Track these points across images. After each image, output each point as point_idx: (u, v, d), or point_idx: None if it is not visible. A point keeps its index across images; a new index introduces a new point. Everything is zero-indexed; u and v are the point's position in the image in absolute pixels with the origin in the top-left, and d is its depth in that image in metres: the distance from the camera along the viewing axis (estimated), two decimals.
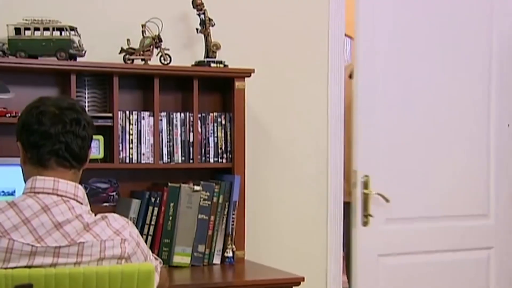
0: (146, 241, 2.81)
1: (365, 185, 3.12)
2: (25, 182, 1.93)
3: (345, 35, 3.68)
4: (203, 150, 2.98)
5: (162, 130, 2.92)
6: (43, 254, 1.80)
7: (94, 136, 2.71)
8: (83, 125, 1.93)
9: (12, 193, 2.61)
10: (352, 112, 3.16)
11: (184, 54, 3.06)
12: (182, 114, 2.95)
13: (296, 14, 3.33)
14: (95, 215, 1.92)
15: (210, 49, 2.99)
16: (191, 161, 2.95)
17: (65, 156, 1.90)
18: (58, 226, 1.82)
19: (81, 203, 1.91)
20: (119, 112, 2.84)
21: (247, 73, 3.00)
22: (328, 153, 3.40)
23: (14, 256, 1.79)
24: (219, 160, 3.01)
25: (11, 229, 1.79)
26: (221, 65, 2.99)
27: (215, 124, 3.00)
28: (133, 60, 2.88)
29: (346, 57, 6.88)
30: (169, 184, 2.86)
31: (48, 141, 1.89)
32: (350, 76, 3.41)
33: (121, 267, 1.86)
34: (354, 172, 3.14)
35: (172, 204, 2.85)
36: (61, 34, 2.72)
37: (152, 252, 2.80)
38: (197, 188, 2.87)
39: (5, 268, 1.78)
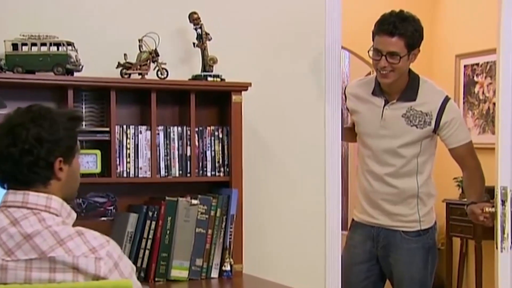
0: (143, 255, 2.82)
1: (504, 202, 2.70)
2: None
3: (343, 47, 3.69)
4: (200, 164, 2.99)
5: (159, 144, 2.92)
6: (15, 269, 1.79)
7: (91, 151, 2.80)
8: (21, 149, 1.85)
9: None
10: (498, 123, 2.80)
11: (181, 68, 3.07)
12: (179, 128, 2.96)
13: (292, 26, 3.34)
14: (74, 227, 1.89)
15: (207, 63, 3.00)
16: (188, 175, 2.96)
17: (12, 185, 1.89)
18: (27, 237, 1.81)
19: (56, 215, 1.89)
20: (116, 127, 2.84)
21: (244, 86, 3.01)
22: (326, 165, 3.39)
23: None
24: (217, 173, 3.01)
25: None
26: (218, 79, 3.00)
27: (212, 138, 3.01)
28: (130, 74, 2.89)
29: (344, 69, 6.90)
30: (167, 198, 2.86)
31: None
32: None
33: (98, 283, 1.82)
34: (503, 188, 2.70)
35: (169, 218, 2.85)
36: (58, 49, 2.74)
37: (149, 266, 2.82)
38: (194, 202, 2.88)
39: None
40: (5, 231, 1.82)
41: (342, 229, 3.48)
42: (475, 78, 5.76)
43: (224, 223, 2.94)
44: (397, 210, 3.24)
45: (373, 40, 3.14)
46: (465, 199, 3.33)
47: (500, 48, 2.75)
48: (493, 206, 2.82)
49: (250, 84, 3.02)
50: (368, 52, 3.15)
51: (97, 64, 2.89)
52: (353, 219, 3.44)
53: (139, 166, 2.89)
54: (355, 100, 3.34)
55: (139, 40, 2.90)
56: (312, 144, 3.38)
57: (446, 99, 3.19)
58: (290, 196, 3.34)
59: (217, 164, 3.01)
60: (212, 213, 2.92)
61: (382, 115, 3.21)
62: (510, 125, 2.70)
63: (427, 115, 3.15)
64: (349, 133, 3.48)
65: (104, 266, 1.84)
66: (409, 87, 3.19)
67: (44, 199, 1.88)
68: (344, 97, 3.44)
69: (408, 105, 3.17)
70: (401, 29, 3.05)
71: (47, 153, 1.88)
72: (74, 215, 1.98)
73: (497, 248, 2.71)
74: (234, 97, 2.99)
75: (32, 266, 1.79)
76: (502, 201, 2.70)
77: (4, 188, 1.92)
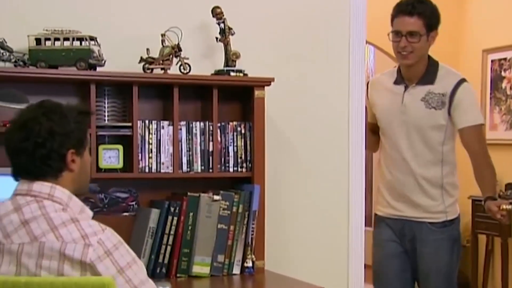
0: (165, 251, 2.81)
1: None
2: None
3: (368, 42, 3.66)
4: (222, 159, 2.97)
5: (181, 139, 2.91)
6: (9, 252, 1.86)
7: (114, 146, 2.80)
8: (35, 142, 1.92)
9: None
10: None
11: (203, 63, 3.05)
12: (202, 123, 2.95)
13: (316, 21, 3.31)
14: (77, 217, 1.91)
15: (230, 58, 2.98)
16: (210, 170, 2.94)
17: (23, 175, 1.96)
18: (24, 223, 1.87)
19: (60, 204, 1.92)
20: (138, 122, 2.84)
21: (267, 81, 2.99)
22: (349, 161, 3.36)
23: None
24: (239, 169, 2.99)
25: None
26: (241, 74, 2.98)
27: (235, 133, 2.99)
28: (152, 69, 2.88)
29: (369, 64, 6.83)
30: (189, 193, 2.85)
31: (9, 160, 1.98)
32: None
33: (77, 279, 1.82)
34: None
35: (191, 214, 2.84)
36: (81, 44, 2.74)
37: (171, 262, 2.81)
38: (216, 197, 2.86)
39: None
40: (7, 216, 1.90)
41: (366, 225, 3.44)
42: (503, 73, 5.67)
43: (246, 219, 2.93)
44: (422, 201, 3.21)
45: (392, 24, 3.20)
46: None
47: None
48: (510, 203, 2.78)
49: (273, 79, 2.99)
50: (388, 35, 3.19)
51: (120, 59, 2.88)
52: (376, 214, 3.40)
53: (161, 161, 2.88)
54: (377, 91, 3.36)
55: (162, 35, 2.89)
56: (336, 139, 3.35)
57: (462, 80, 3.21)
58: (312, 192, 3.31)
59: (239, 160, 2.99)
60: (234, 209, 2.90)
61: (402, 100, 3.21)
62: None
63: (443, 95, 3.18)
64: (371, 139, 3.43)
65: (93, 253, 1.83)
66: (428, 71, 3.23)
67: (48, 188, 1.93)
68: (366, 91, 3.42)
69: (427, 89, 3.20)
70: (420, 9, 3.13)
71: (59, 146, 1.94)
72: (90, 212, 2.00)
73: None
74: (257, 92, 2.97)
75: (23, 251, 1.84)
76: None
77: (17, 181, 1.98)
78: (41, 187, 1.92)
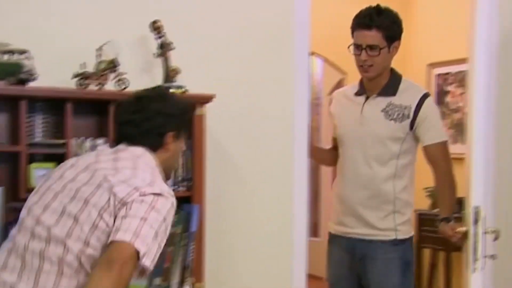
0: None
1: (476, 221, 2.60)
2: None
3: (316, 53, 3.61)
4: None
5: None
6: (92, 169, 2.07)
7: (46, 164, 2.69)
8: (145, 117, 2.17)
9: None
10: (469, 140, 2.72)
11: (142, 78, 2.96)
12: None
13: (259, 34, 3.26)
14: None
15: (169, 74, 2.89)
16: None
17: (124, 142, 2.17)
18: (114, 160, 2.09)
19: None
20: (72, 139, 2.72)
21: (208, 98, 2.91)
22: (293, 179, 3.31)
23: None
24: (178, 188, 2.90)
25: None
26: (181, 90, 2.89)
27: None
28: (87, 85, 2.76)
29: (317, 77, 6.81)
30: None
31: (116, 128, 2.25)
32: None
33: None
34: (476, 208, 2.62)
35: None
36: (11, 57, 2.61)
37: None
38: None
39: None
40: (103, 152, 2.17)
41: (312, 236, 3.38)
42: (447, 88, 5.72)
43: (185, 241, 2.83)
44: (371, 216, 3.12)
45: (352, 36, 3.10)
46: (436, 209, 3.24)
47: (474, 60, 2.67)
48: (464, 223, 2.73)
49: (214, 96, 2.92)
50: (349, 48, 3.10)
51: (54, 73, 2.78)
52: (329, 233, 3.32)
53: None
54: (339, 103, 3.28)
55: (98, 49, 2.78)
56: (279, 156, 3.30)
57: (427, 95, 3.16)
58: (255, 210, 3.26)
59: (178, 179, 2.90)
60: (173, 230, 2.80)
61: (361, 110, 3.14)
62: (483, 146, 2.62)
63: (405, 108, 3.10)
64: (328, 155, 3.37)
65: (128, 195, 1.96)
66: (391, 83, 3.16)
67: (141, 150, 2.14)
68: (330, 103, 3.37)
69: (388, 100, 3.13)
70: (378, 22, 3.04)
71: (162, 125, 2.18)
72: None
73: (468, 268, 2.63)
74: (197, 110, 2.88)
75: (100, 169, 2.07)
76: (475, 220, 2.61)
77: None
78: (136, 148, 2.14)
